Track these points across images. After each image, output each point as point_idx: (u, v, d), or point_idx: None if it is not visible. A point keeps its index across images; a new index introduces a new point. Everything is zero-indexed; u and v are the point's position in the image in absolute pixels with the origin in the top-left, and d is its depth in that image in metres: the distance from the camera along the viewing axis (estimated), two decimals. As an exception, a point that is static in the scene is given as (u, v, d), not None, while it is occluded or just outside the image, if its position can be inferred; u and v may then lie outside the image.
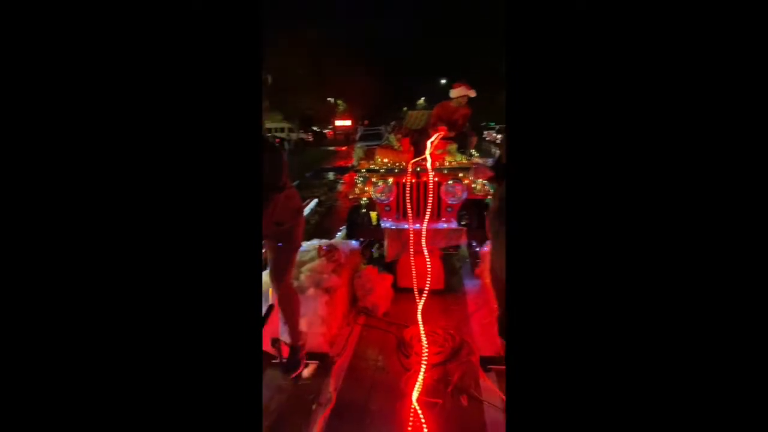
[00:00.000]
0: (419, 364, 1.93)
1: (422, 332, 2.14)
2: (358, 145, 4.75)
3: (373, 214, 3.18)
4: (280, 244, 1.74)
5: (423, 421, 1.59)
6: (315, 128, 22.90)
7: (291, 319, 1.86)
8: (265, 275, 2.28)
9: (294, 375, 1.87)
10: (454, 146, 2.96)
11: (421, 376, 1.84)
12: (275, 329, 1.95)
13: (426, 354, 1.98)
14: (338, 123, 21.92)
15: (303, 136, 20.26)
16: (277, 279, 1.79)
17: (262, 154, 1.60)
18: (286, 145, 16.65)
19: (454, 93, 3.40)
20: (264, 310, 1.90)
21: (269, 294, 1.91)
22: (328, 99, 22.09)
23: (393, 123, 4.67)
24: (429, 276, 2.56)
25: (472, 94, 3.37)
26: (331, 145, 19.83)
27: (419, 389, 1.77)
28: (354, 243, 2.97)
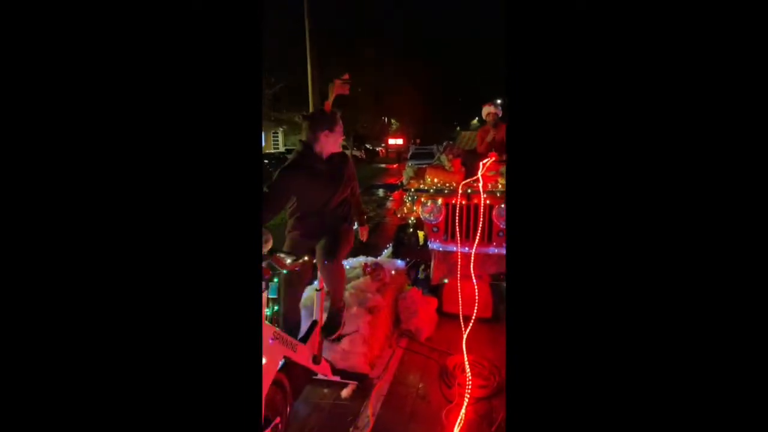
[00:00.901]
0: (462, 396, 1.83)
1: (466, 362, 2.04)
2: (409, 163, 4.77)
3: (421, 234, 3.13)
4: (326, 261, 1.75)
5: (464, 460, 1.50)
6: (368, 145, 23.44)
7: (337, 285, 1.88)
8: (309, 290, 2.31)
9: (334, 337, 1.91)
10: (508, 168, 2.86)
11: (463, 410, 1.74)
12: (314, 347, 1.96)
13: (470, 386, 1.87)
14: (391, 141, 22.30)
15: (356, 153, 20.79)
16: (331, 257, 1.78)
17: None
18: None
19: (483, 112, 3.51)
20: (307, 325, 1.90)
21: (314, 309, 1.92)
22: (382, 117, 22.58)
23: (445, 143, 4.64)
24: (476, 303, 2.46)
25: (499, 112, 3.47)
26: (383, 163, 20.16)
27: (461, 424, 1.68)
28: (399, 262, 2.93)
